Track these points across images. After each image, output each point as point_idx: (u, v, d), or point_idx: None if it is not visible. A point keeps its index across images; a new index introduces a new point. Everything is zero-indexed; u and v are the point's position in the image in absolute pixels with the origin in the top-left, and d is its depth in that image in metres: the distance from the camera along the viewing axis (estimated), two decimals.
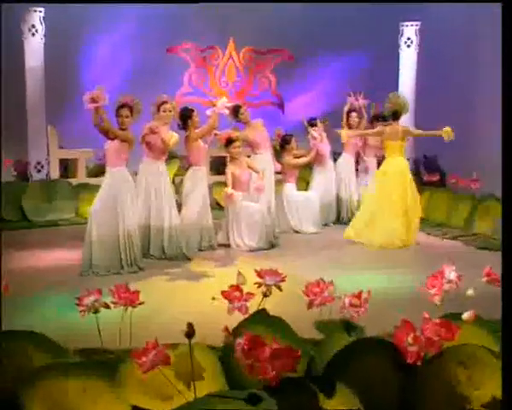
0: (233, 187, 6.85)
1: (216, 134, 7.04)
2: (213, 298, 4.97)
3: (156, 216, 6.33)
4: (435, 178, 9.25)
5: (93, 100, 5.42)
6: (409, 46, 10.32)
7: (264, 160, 7.62)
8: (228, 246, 6.95)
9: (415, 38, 10.27)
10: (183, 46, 10.52)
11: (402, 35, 10.31)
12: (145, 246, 6.27)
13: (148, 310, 4.13)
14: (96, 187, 8.68)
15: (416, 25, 10.23)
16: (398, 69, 10.39)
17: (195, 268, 6.01)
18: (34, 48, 9.05)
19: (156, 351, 2.66)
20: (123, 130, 5.72)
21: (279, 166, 7.93)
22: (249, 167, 7.13)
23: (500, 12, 3.37)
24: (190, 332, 2.52)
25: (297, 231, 7.86)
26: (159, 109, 6.38)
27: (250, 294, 3.26)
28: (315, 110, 9.82)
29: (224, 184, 8.75)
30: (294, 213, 7.92)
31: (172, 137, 6.26)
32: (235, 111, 7.48)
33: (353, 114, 8.50)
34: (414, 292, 5.10)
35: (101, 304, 3.25)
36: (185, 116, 6.66)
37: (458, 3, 9.04)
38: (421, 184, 8.67)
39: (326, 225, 8.23)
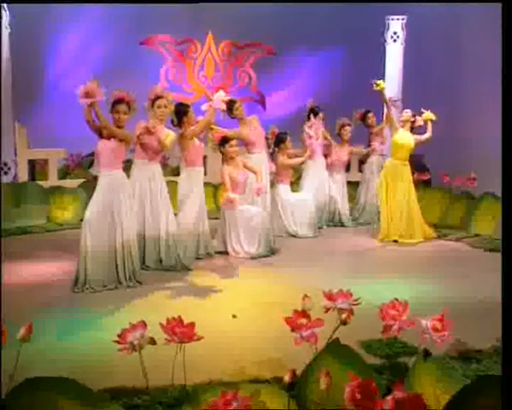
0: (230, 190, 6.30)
1: (212, 129, 6.44)
2: (234, 316, 4.48)
3: (152, 224, 5.71)
4: (426, 177, 8.96)
5: (88, 94, 4.75)
6: (395, 40, 10.05)
7: (260, 159, 7.06)
8: (225, 253, 6.42)
9: (401, 32, 10.01)
10: (158, 38, 9.86)
11: (388, 29, 10.05)
12: (140, 256, 5.64)
13: (156, 335, 3.00)
14: (70, 190, 8.06)
15: (403, 19, 9.98)
16: (384, 63, 10.10)
17: (199, 281, 5.42)
18: None
19: (237, 402, 2.14)
20: (119, 128, 5.09)
21: (274, 167, 7.41)
22: (246, 168, 6.59)
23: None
24: (292, 382, 1.98)
25: (293, 235, 7.38)
26: (153, 105, 5.74)
27: (319, 320, 2.74)
28: (297, 106, 9.42)
29: (205, 184, 8.24)
30: (290, 216, 7.44)
31: (168, 135, 5.64)
32: (229, 106, 6.87)
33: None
34: (441, 302, 4.74)
35: (148, 340, 2.63)
36: (180, 112, 6.03)
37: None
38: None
39: (320, 227, 7.78)
